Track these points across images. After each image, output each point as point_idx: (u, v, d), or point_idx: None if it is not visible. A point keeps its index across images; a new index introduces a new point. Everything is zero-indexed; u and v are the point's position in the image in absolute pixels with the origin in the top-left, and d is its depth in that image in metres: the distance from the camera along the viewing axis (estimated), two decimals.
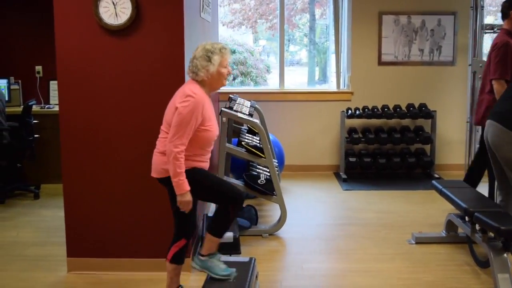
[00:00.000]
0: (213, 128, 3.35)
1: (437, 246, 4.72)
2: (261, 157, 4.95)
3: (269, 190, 4.98)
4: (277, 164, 5.74)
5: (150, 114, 3.99)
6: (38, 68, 7.19)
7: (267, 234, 5.00)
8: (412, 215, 5.60)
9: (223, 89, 7.72)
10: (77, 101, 4.06)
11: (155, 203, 4.09)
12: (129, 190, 4.13)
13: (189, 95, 3.22)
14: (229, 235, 4.29)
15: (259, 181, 5.03)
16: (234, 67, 8.56)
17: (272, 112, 7.35)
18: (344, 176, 7.02)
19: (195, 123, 3.21)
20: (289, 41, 9.04)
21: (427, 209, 5.78)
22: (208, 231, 3.49)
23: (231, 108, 5.18)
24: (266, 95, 7.56)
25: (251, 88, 8.24)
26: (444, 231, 4.85)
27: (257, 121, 4.99)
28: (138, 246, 4.18)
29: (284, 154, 6.85)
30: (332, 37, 7.66)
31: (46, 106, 6.95)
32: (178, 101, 3.24)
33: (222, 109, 4.95)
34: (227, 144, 5.00)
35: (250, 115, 5.24)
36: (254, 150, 4.95)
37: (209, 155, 3.48)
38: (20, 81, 7.16)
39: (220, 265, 3.49)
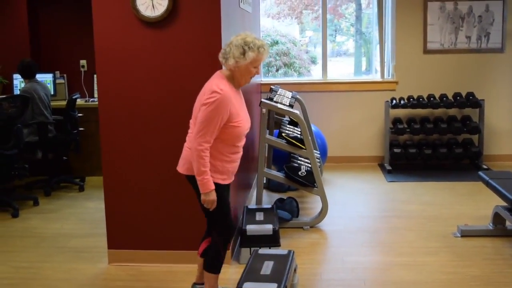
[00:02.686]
0: (242, 123, 3.26)
1: (483, 239, 4.56)
2: (302, 148, 4.88)
3: (310, 182, 4.91)
4: (319, 156, 5.66)
5: (187, 107, 3.95)
6: (83, 62, 7.30)
7: (308, 227, 4.93)
8: (458, 207, 5.43)
9: (265, 80, 7.77)
10: (116, 94, 4.08)
11: (192, 195, 4.05)
12: (168, 182, 4.12)
13: (214, 91, 3.11)
14: (268, 228, 4.24)
15: (299, 172, 4.97)
16: (277, 58, 8.50)
17: (315, 103, 7.26)
18: (388, 168, 6.88)
19: (220, 121, 3.11)
20: (335, 31, 8.91)
21: (474, 201, 5.60)
22: (203, 267, 3.46)
23: (271, 99, 5.13)
24: (309, 85, 7.48)
25: (293, 79, 8.15)
26: (491, 224, 4.67)
27: (298, 112, 4.92)
28: (177, 238, 4.17)
29: (327, 145, 6.76)
30: (376, 26, 7.49)
31: (91, 100, 7.05)
32: (204, 98, 3.15)
33: (262, 100, 4.90)
34: (267, 136, 4.95)
35: (291, 106, 5.17)
36: (294, 141, 4.89)
37: (240, 153, 3.40)
38: (65, 75, 7.29)
39: None
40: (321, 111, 7.30)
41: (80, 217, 5.44)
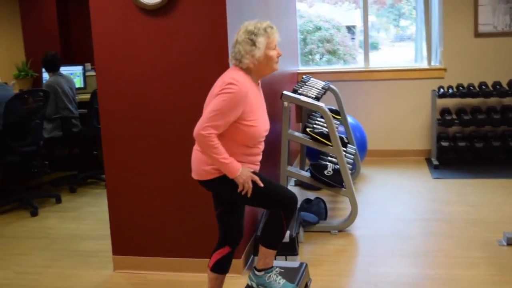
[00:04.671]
0: (259, 122, 2.86)
1: None
2: (327, 145, 4.44)
3: (337, 182, 4.46)
4: (354, 151, 5.18)
5: (191, 99, 3.61)
6: None
7: (336, 231, 4.50)
8: (508, 209, 4.84)
9: (303, 68, 7.32)
10: (115, 90, 3.77)
11: (202, 200, 3.70)
12: (176, 185, 3.78)
13: (230, 83, 2.75)
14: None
15: (325, 171, 4.53)
16: (320, 45, 8.03)
17: (355, 93, 6.77)
18: (435, 163, 6.32)
19: (233, 115, 2.74)
20: (399, 16, 8.37)
21: None
22: (261, 243, 3.04)
23: (295, 91, 4.69)
24: (350, 74, 6.98)
25: (335, 67, 7.65)
26: None
27: (322, 104, 4.46)
28: (186, 245, 3.83)
29: (367, 138, 6.27)
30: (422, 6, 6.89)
31: None
32: (218, 89, 2.78)
33: (284, 92, 4.47)
34: (290, 131, 4.52)
35: (317, 98, 4.72)
36: (319, 137, 4.45)
37: (259, 156, 3.00)
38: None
39: (279, 279, 3.05)
40: (362, 102, 6.80)
41: (98, 216, 5.18)
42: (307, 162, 5.96)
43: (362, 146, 6.12)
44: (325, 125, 4.89)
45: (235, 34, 2.90)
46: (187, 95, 3.65)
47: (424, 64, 6.90)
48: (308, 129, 4.55)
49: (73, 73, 6.85)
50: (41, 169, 5.48)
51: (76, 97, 6.24)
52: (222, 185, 2.87)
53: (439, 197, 5.31)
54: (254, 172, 2.90)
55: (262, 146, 3.01)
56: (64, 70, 6.54)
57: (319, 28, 8.25)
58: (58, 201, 5.68)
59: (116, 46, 3.71)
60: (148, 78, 3.70)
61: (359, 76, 6.90)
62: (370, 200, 5.27)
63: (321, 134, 4.47)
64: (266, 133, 2.99)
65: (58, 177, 6.36)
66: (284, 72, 5.92)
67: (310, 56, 8.13)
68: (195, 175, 2.96)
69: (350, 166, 4.79)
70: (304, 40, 7.94)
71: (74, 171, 6.39)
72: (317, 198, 4.78)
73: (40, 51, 6.69)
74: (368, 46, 7.04)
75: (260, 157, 3.02)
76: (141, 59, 3.69)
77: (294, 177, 4.71)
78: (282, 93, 4.45)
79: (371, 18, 8.74)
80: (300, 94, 4.64)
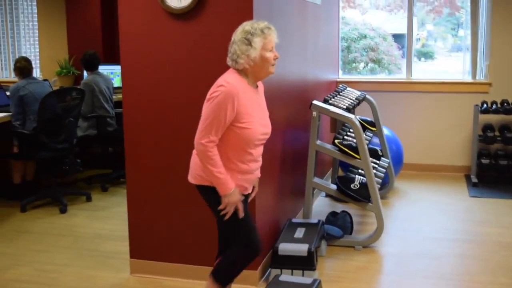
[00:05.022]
0: (253, 125, 2.80)
1: None
2: (355, 157, 4.32)
3: (363, 196, 4.34)
4: (387, 165, 5.04)
5: None
6: None
7: (361, 247, 4.37)
8: None
9: (343, 77, 7.17)
10: (138, 88, 3.76)
11: None
12: (195, 191, 3.72)
13: (220, 85, 2.74)
14: (302, 248, 3.74)
15: (352, 185, 4.41)
16: (364, 53, 7.88)
17: (395, 104, 6.60)
18: (474, 180, 6.09)
19: (225, 117, 2.71)
20: (457, 25, 8.15)
21: None
22: (211, 272, 3.02)
23: (326, 100, 4.59)
24: (391, 85, 6.81)
25: (372, 76, 7.50)
26: None
27: (352, 115, 4.35)
28: (202, 253, 3.76)
29: (403, 151, 6.10)
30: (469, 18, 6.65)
31: None
32: (209, 94, 2.78)
33: (313, 102, 4.38)
34: (318, 142, 4.42)
35: (348, 109, 4.60)
36: (346, 149, 4.33)
37: (257, 163, 2.96)
38: None
39: None
40: (401, 114, 6.62)
41: (125, 217, 5.10)
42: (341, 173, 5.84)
43: (397, 159, 5.96)
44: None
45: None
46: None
47: (468, 78, 6.66)
48: (336, 141, 4.44)
49: (113, 72, 6.91)
50: (73, 166, 5.53)
51: (114, 96, 6.29)
52: (209, 194, 2.88)
53: (473, 216, 5.11)
54: (244, 199, 2.90)
55: (260, 151, 2.95)
56: (105, 69, 6.62)
57: (364, 36, 8.11)
58: (89, 199, 5.73)
59: (143, 48, 3.69)
60: (174, 84, 3.68)
61: (400, 87, 6.72)
62: (401, 216, 5.11)
63: (350, 146, 4.36)
64: (265, 136, 2.94)
65: (92, 175, 6.43)
66: (320, 79, 5.82)
67: (353, 65, 8.00)
68: (190, 178, 2.98)
69: (380, 180, 4.65)
70: (348, 48, 7.81)
71: (109, 170, 6.44)
72: (343, 211, 4.66)
73: (83, 49, 6.75)
74: (412, 55, 6.84)
75: (258, 164, 2.98)
76: (168, 65, 3.66)
77: (320, 189, 4.61)
78: (311, 103, 4.36)
79: (429, 27, 8.55)
80: (330, 104, 4.54)
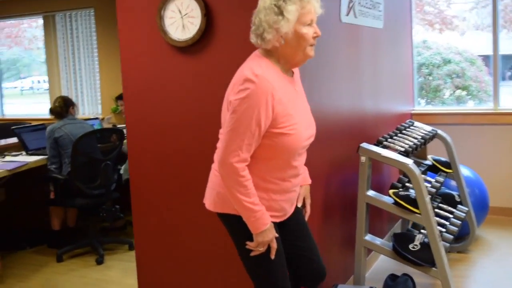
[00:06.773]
0: (297, 129, 2.11)
1: None
2: (414, 212, 3.54)
3: (423, 260, 3.54)
4: (464, 214, 4.21)
5: None
6: None
7: None
8: None
9: (419, 108, 6.33)
10: (144, 133, 3.33)
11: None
12: (204, 225, 3.18)
13: (247, 80, 2.04)
14: None
15: (411, 246, 3.62)
16: (448, 80, 7.01)
17: (478, 139, 5.69)
18: None
19: (259, 125, 2.02)
20: None
21: None
22: None
23: (379, 142, 3.85)
24: (473, 117, 5.90)
25: (448, 108, 6.58)
26: None
27: (408, 161, 3.57)
28: None
29: (489, 195, 5.17)
30: None
31: None
32: (232, 93, 2.08)
33: (361, 145, 3.65)
34: (369, 192, 3.67)
35: (407, 152, 3.82)
36: (403, 202, 3.56)
37: (299, 176, 2.24)
38: None
39: None
40: (486, 150, 5.68)
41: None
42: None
43: (481, 205, 5.05)
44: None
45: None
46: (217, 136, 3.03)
47: None
48: (391, 191, 3.68)
49: None
50: (111, 213, 5.09)
51: None
52: (233, 224, 2.20)
53: None
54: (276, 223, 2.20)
55: (303, 160, 2.24)
56: None
57: (448, 61, 7.24)
58: (131, 248, 5.26)
59: (146, 84, 3.28)
60: (180, 126, 3.18)
61: (484, 119, 5.80)
62: (484, 278, 4.21)
63: (407, 198, 3.59)
64: (310, 141, 2.24)
65: None
66: (386, 113, 5.04)
67: (437, 93, 7.13)
68: (208, 204, 2.29)
69: (451, 237, 3.83)
70: (430, 74, 6.98)
71: None
72: (404, 275, 3.86)
73: None
74: (498, 81, 5.90)
75: (301, 177, 2.28)
76: (171, 99, 3.23)
77: (372, 248, 3.81)
78: (359, 146, 3.64)
79: None
80: (385, 146, 3.80)
